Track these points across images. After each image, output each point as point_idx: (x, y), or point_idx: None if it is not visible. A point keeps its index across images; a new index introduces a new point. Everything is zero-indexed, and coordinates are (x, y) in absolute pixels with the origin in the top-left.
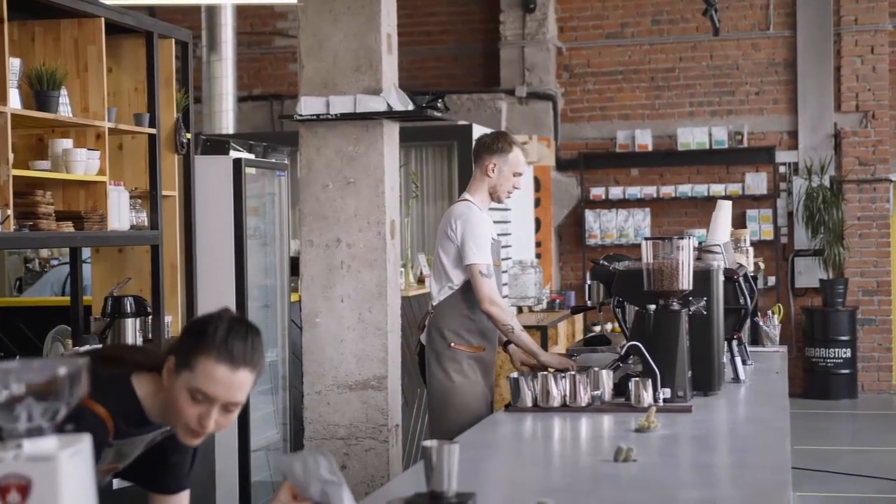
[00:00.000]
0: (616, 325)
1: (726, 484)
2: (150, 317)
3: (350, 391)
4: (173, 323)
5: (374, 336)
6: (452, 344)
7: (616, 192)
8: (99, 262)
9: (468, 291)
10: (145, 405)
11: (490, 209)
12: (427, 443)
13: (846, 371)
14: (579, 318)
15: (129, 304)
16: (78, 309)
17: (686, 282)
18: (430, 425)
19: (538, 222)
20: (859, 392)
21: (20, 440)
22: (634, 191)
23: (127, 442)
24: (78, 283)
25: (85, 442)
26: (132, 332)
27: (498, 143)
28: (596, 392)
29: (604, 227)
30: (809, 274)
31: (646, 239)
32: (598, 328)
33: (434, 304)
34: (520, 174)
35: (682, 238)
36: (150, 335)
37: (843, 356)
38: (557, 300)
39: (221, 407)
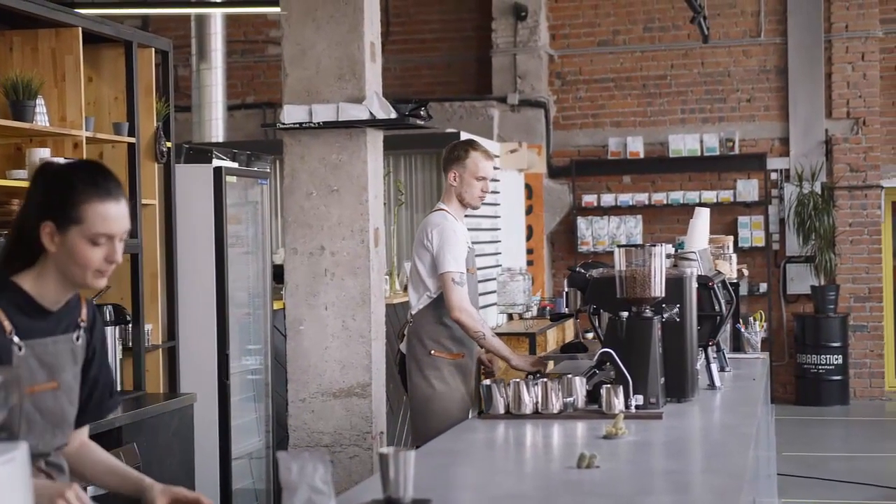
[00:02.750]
0: None
1: (683, 489)
2: (129, 325)
3: (334, 398)
4: (153, 331)
5: (358, 343)
6: (433, 352)
7: (608, 199)
8: None
9: None
10: (35, 295)
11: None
12: (383, 450)
13: (838, 377)
14: (570, 325)
15: (108, 313)
16: None
17: (658, 289)
18: (412, 432)
19: (530, 229)
20: (851, 398)
21: None
22: (626, 198)
23: (39, 343)
24: None
25: (20, 450)
26: (112, 340)
27: (454, 151)
28: (568, 399)
29: (596, 234)
30: (801, 280)
31: (619, 246)
32: (590, 335)
33: (413, 312)
34: (483, 178)
35: (655, 245)
36: (129, 343)
37: (835, 363)
38: (548, 307)
39: (119, 240)
